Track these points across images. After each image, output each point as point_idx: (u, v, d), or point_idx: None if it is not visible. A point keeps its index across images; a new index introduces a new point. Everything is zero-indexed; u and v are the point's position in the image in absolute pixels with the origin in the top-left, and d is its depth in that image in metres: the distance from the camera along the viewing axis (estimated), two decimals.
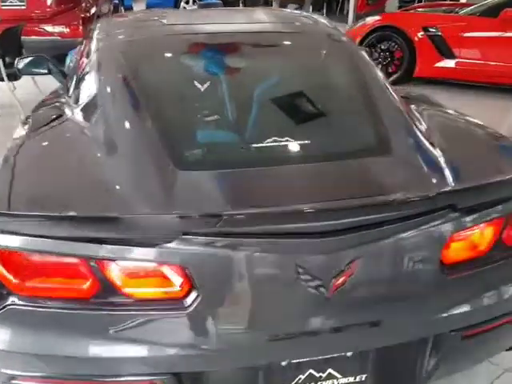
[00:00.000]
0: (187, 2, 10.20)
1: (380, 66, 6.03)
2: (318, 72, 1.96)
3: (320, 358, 1.33)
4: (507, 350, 1.69)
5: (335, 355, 1.34)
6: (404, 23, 5.82)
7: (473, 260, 1.40)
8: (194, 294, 1.20)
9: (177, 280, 1.21)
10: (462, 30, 5.53)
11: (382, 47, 5.99)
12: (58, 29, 5.52)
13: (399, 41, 5.84)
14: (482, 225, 1.38)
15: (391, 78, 5.94)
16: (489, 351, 1.65)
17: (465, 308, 1.39)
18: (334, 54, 2.04)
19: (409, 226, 1.26)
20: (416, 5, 8.25)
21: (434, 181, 1.37)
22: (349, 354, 1.34)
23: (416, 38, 5.70)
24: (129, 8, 9.21)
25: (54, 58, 2.57)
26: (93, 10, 6.42)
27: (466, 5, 6.47)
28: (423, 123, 1.72)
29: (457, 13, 5.96)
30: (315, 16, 2.51)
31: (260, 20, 2.34)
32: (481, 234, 1.40)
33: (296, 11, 2.96)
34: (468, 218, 1.33)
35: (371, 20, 6.17)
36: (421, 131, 1.63)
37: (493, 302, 1.43)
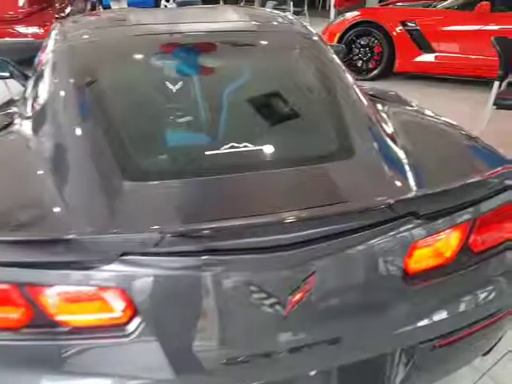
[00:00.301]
0: (168, 0, 10.10)
1: (360, 62, 6.02)
2: (281, 73, 1.90)
3: (280, 379, 1.27)
4: (484, 355, 1.66)
5: (297, 375, 1.29)
6: (382, 18, 5.80)
7: (438, 268, 1.35)
8: (137, 320, 1.12)
9: (118, 305, 1.12)
10: (439, 24, 5.52)
11: (362, 43, 5.97)
12: (31, 30, 5.43)
13: (378, 36, 5.82)
14: (446, 231, 1.33)
15: (371, 74, 5.94)
16: (464, 359, 1.60)
17: (433, 318, 1.33)
18: (299, 54, 1.98)
19: (368, 235, 1.20)
20: None
21: (396, 186, 1.33)
22: (312, 373, 1.29)
23: (394, 33, 5.68)
24: (107, 7, 9.10)
25: (28, 60, 2.50)
26: (68, 10, 6.31)
27: None
28: (389, 124, 1.68)
29: (434, 6, 5.95)
30: (286, 14, 2.46)
31: (227, 19, 2.28)
32: (445, 241, 1.35)
33: (266, 9, 2.90)
34: (431, 225, 1.28)
35: (350, 15, 6.14)
36: (386, 133, 1.58)
37: (462, 310, 1.37)
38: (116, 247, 1.08)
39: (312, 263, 1.16)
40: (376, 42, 5.85)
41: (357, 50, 6.00)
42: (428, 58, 5.62)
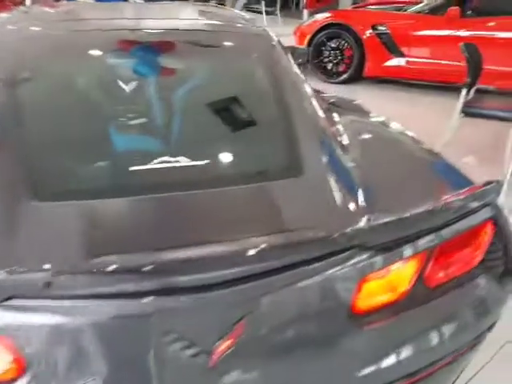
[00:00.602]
0: None
1: (330, 65, 5.90)
2: (227, 79, 1.73)
3: None
4: None
5: None
6: (353, 21, 5.68)
7: (390, 306, 1.20)
8: (28, 375, 0.94)
9: (4, 358, 0.94)
10: (409, 28, 5.44)
11: (332, 45, 5.85)
12: None
13: (349, 39, 5.71)
14: (398, 264, 1.18)
15: (341, 78, 5.83)
16: None
17: (385, 362, 1.17)
18: (251, 59, 1.81)
19: (309, 271, 1.05)
20: (368, 2, 8.15)
21: (344, 213, 1.19)
22: None
23: (364, 37, 5.57)
24: None
25: None
26: (28, 2, 6.01)
27: (416, 2, 6.42)
28: (345, 138, 1.54)
29: (405, 10, 5.88)
30: (241, 14, 2.31)
31: (181, 17, 2.11)
32: (397, 276, 1.20)
33: (235, 10, 2.70)
34: (381, 257, 1.13)
35: (321, 17, 6.01)
36: (339, 150, 1.44)
37: (418, 351, 1.22)
38: (2, 289, 0.90)
39: (242, 306, 0.99)
40: (346, 45, 5.74)
41: (327, 53, 5.87)
42: (398, 62, 5.53)
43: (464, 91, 3.72)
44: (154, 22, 1.94)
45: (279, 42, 1.96)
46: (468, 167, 3.88)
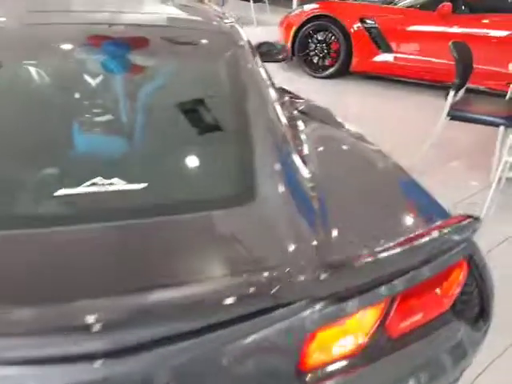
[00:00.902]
0: None
1: (316, 59, 5.68)
2: (173, 86, 1.52)
3: None
4: None
5: None
6: (341, 13, 5.46)
7: (345, 361, 1.03)
8: None
9: None
10: (399, 23, 5.24)
11: (319, 38, 5.62)
12: None
13: (336, 32, 5.49)
14: (354, 315, 1.00)
15: (327, 72, 5.62)
16: None
17: None
18: (205, 62, 1.60)
19: (247, 328, 0.88)
20: None
21: (293, 257, 1.00)
22: None
23: (352, 30, 5.35)
24: None
25: None
26: None
27: None
28: (306, 154, 1.35)
29: (395, 4, 5.66)
30: (215, 9, 2.09)
31: (141, 10, 1.89)
32: (353, 328, 1.02)
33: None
34: (333, 309, 0.95)
35: (308, 8, 5.78)
36: (297, 171, 1.25)
37: None
38: None
39: (166, 371, 0.82)
40: (333, 38, 5.52)
41: (313, 46, 5.65)
42: (386, 58, 5.32)
43: (451, 93, 3.54)
44: (109, 16, 1.73)
45: (249, 42, 1.75)
46: (454, 171, 3.69)
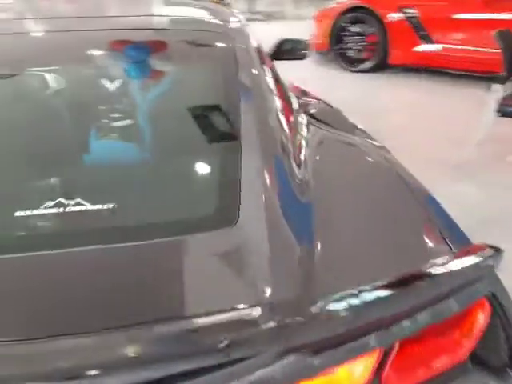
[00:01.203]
0: None
1: (352, 52, 5.43)
2: (161, 95, 1.38)
3: None
4: None
5: None
6: (378, 3, 5.18)
7: None
8: None
9: None
10: (441, 11, 4.90)
11: (355, 30, 5.36)
12: None
13: (374, 23, 5.21)
14: (343, 366, 0.82)
15: (364, 65, 5.35)
16: None
17: None
18: (197, 69, 1.47)
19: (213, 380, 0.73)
20: None
21: (276, 297, 0.84)
22: None
23: (390, 20, 5.06)
24: None
25: None
26: None
27: None
28: (308, 169, 1.19)
29: None
30: (220, 8, 1.95)
31: (131, 13, 1.77)
32: (341, 382, 0.85)
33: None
34: (318, 360, 0.78)
35: (345, 0, 5.53)
36: (294, 192, 1.09)
37: None
38: None
39: None
40: (370, 30, 5.24)
41: (349, 39, 5.40)
42: (427, 48, 5.01)
43: (497, 87, 3.22)
44: (108, 20, 1.63)
45: (256, 44, 1.58)
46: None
